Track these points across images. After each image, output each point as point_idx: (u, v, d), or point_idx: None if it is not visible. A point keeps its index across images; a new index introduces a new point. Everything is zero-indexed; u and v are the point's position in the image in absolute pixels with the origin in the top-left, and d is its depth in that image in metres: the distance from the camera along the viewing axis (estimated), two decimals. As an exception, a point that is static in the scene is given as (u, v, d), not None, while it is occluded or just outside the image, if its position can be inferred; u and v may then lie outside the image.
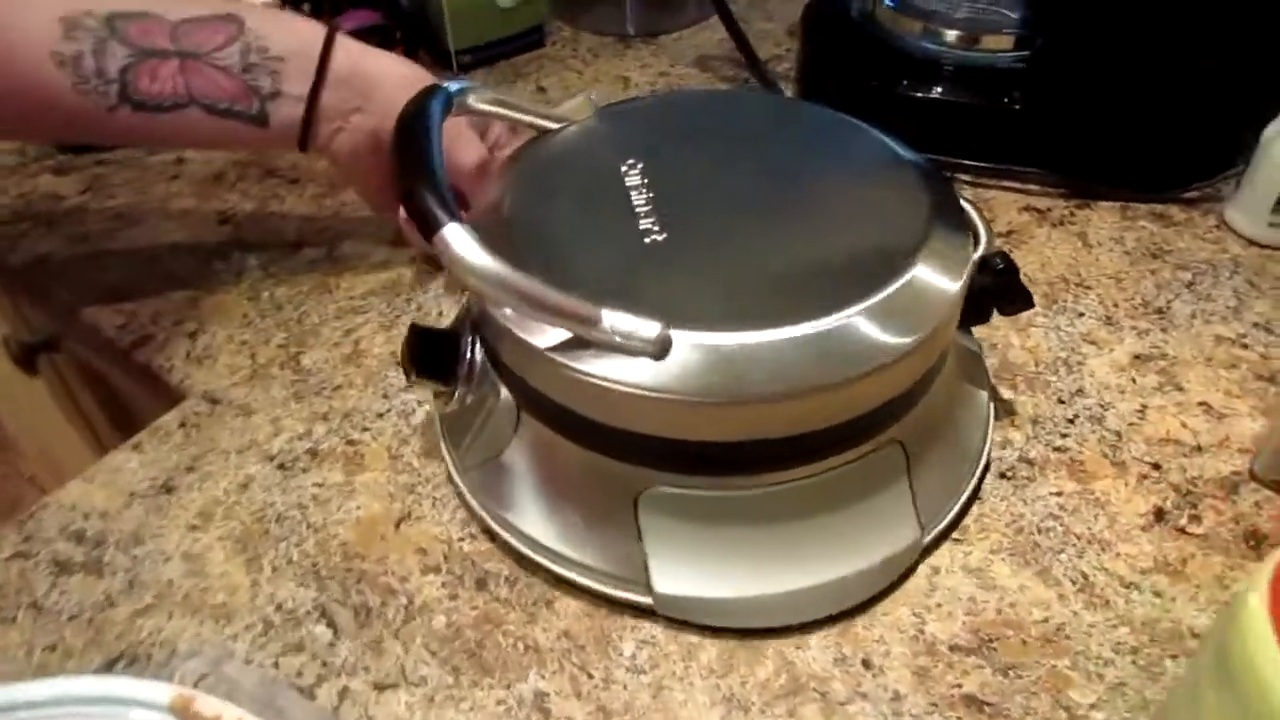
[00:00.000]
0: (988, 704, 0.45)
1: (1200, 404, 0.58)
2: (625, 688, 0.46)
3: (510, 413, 0.49)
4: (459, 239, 0.41)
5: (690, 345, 0.42)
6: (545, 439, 0.48)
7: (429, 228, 0.41)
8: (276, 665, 0.48)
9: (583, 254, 0.47)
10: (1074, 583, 0.50)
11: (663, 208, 0.49)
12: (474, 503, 0.52)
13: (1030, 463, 0.55)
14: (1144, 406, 0.58)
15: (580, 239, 0.48)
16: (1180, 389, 0.59)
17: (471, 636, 0.48)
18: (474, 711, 0.46)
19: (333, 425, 0.59)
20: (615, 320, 0.42)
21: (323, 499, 0.55)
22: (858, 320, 0.44)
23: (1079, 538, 0.52)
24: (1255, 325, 0.63)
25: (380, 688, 0.47)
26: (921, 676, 0.46)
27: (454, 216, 0.41)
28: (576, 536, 0.48)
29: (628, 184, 0.51)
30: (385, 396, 0.61)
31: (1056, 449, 0.56)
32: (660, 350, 0.42)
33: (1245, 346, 0.61)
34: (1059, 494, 0.54)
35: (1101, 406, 0.58)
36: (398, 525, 0.53)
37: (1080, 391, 0.59)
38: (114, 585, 0.51)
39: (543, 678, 0.47)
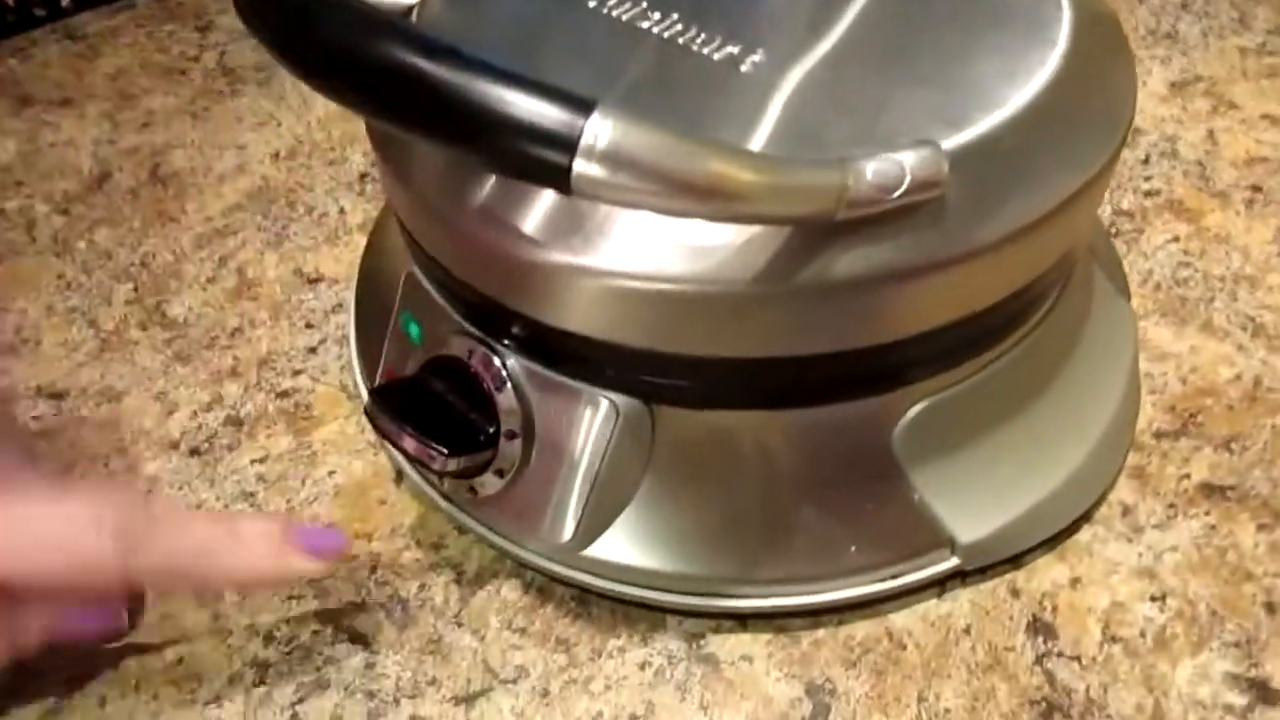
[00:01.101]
0: (1228, 488, 0.36)
1: (1263, 117, 0.51)
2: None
3: (631, 428, 0.31)
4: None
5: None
6: (723, 430, 0.31)
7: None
8: None
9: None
10: (1244, 329, 0.41)
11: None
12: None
13: (1127, 214, 0.46)
14: (1210, 131, 0.50)
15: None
16: (1235, 106, 0.52)
17: (564, 593, 0.34)
18: (614, 688, 0.32)
19: (248, 381, 0.42)
20: (876, 168, 0.25)
21: (275, 477, 0.38)
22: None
23: (1221, 279, 0.43)
24: (1269, 32, 0.56)
25: (465, 700, 0.32)
26: (1141, 478, 0.37)
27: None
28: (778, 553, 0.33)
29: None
30: (309, 325, 0.44)
31: (1147, 194, 0.47)
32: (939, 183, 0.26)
33: (1272, 53, 0.55)
34: (1175, 239, 0.45)
35: (1168, 141, 0.50)
36: (399, 479, 0.38)
37: (1138, 130, 0.51)
38: (-7, 682, 0.33)
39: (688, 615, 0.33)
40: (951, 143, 0.27)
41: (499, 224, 0.28)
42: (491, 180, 0.29)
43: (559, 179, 0.23)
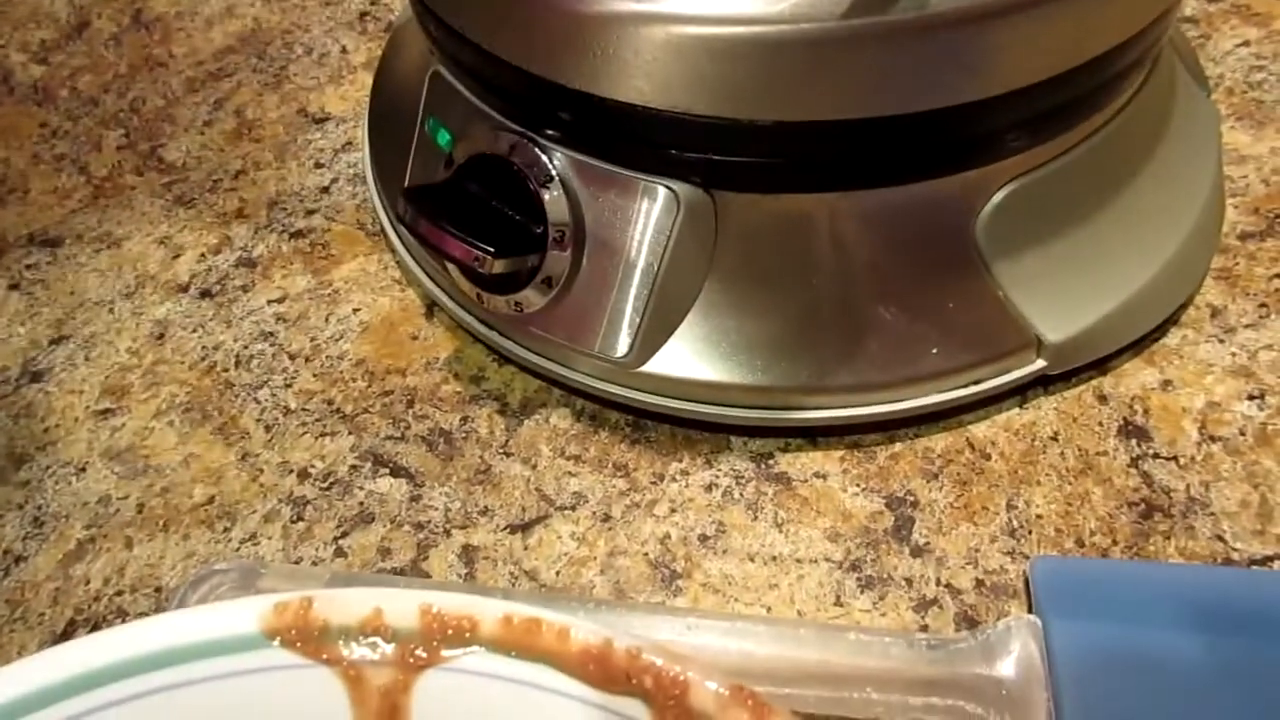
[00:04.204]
0: (1321, 286, 0.34)
1: (1328, -83, 0.48)
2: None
3: (692, 220, 0.28)
4: None
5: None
6: (792, 217, 0.28)
7: None
8: (342, 555, 0.30)
9: None
10: (1325, 128, 0.39)
11: None
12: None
13: (1191, 20, 0.43)
14: (1273, -66, 0.47)
15: None
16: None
17: (619, 419, 0.32)
18: (681, 510, 0.30)
19: (258, 222, 0.39)
20: None
21: (295, 316, 0.35)
22: None
23: (1298, 80, 0.40)
24: None
25: (521, 529, 0.30)
26: (1229, 280, 0.34)
27: None
28: (866, 351, 0.30)
29: None
30: (319, 165, 0.40)
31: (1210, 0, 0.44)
32: None
33: None
34: (1245, 44, 0.42)
35: (1229, -55, 0.47)
36: (429, 312, 0.35)
37: (1196, -63, 0.47)
38: (6, 539, 0.31)
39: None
40: None
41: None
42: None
43: None
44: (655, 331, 0.30)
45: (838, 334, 0.30)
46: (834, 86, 0.25)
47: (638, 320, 0.29)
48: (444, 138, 0.32)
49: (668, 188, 0.28)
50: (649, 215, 0.28)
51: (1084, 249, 0.31)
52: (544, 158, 0.29)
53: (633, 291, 0.29)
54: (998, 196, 0.29)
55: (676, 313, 0.30)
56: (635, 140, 0.27)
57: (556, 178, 0.28)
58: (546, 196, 0.29)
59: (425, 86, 0.32)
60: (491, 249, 0.28)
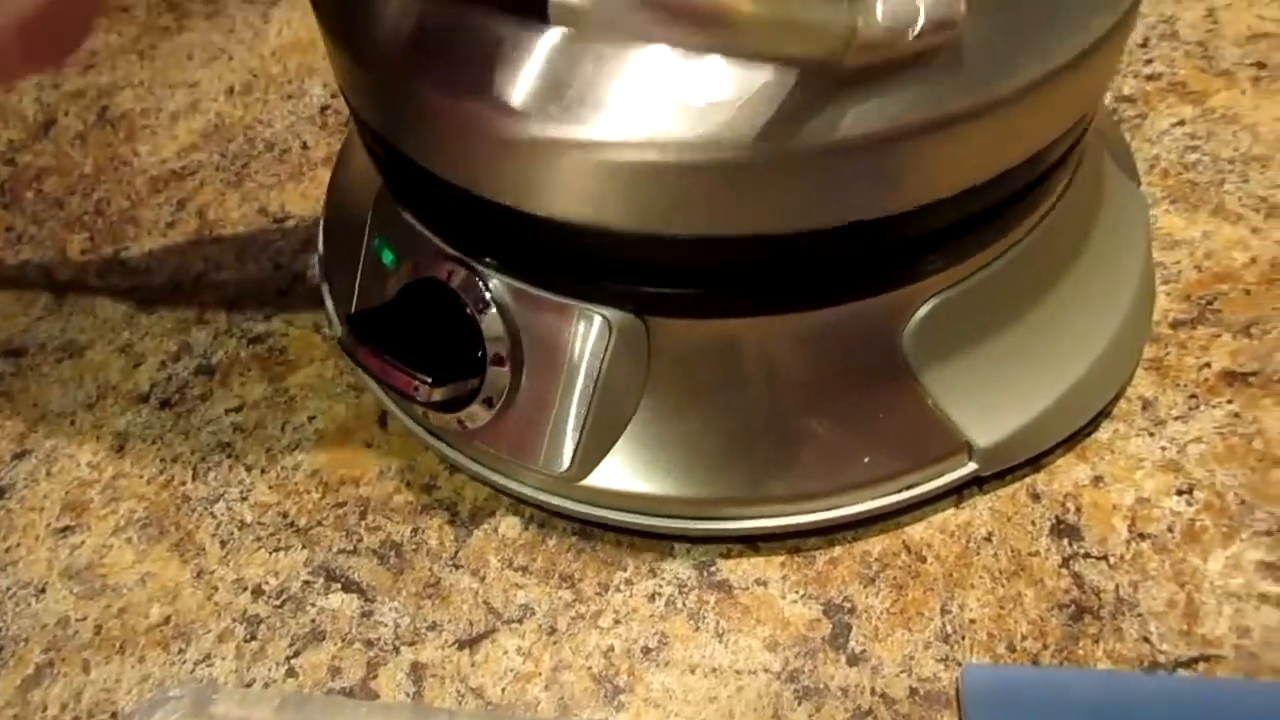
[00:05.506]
0: (1250, 374, 0.35)
1: (1262, -10, 0.49)
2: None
3: (625, 344, 0.29)
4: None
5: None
6: (722, 340, 0.29)
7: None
8: (293, 675, 0.30)
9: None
10: (1256, 210, 0.40)
11: None
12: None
13: (1129, 100, 0.44)
14: (1209, 9, 0.48)
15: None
16: (1233, -19, 0.49)
17: (566, 526, 0.33)
18: (624, 621, 0.31)
19: (218, 327, 0.39)
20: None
21: (252, 425, 0.36)
22: None
23: (1231, 161, 0.41)
24: (1264, -99, 0.54)
25: (469, 644, 0.30)
26: (1160, 370, 0.35)
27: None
28: (794, 466, 0.31)
29: None
30: (278, 266, 0.41)
31: (1149, 78, 0.45)
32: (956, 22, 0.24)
33: (1269, -77, 0.52)
34: (1181, 123, 0.43)
35: (1167, 22, 0.48)
36: (383, 421, 0.36)
37: (1135, 12, 0.48)
38: (-31, 655, 0.31)
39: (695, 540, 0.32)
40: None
41: (471, 95, 0.26)
42: (460, 48, 0.26)
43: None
44: (595, 447, 0.30)
45: (772, 447, 0.30)
46: (754, 203, 0.26)
47: (577, 436, 0.30)
48: (388, 257, 0.32)
49: (601, 314, 0.29)
50: (584, 339, 0.29)
51: (1014, 351, 0.32)
52: (482, 283, 0.29)
53: (571, 409, 0.30)
54: (923, 310, 0.30)
55: (615, 429, 0.30)
56: (569, 268, 0.28)
57: (494, 303, 0.29)
58: (484, 321, 0.29)
59: (372, 204, 0.33)
60: (429, 378, 0.29)
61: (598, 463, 0.31)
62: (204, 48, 0.52)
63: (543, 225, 0.28)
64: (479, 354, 0.29)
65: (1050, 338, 0.33)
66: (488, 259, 0.29)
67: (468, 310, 0.29)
